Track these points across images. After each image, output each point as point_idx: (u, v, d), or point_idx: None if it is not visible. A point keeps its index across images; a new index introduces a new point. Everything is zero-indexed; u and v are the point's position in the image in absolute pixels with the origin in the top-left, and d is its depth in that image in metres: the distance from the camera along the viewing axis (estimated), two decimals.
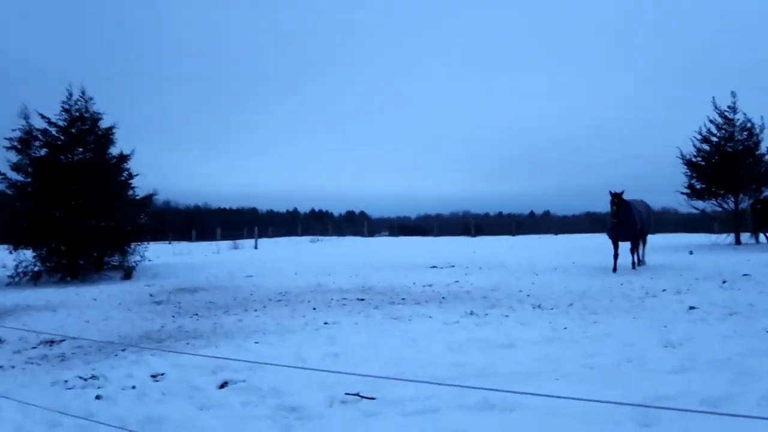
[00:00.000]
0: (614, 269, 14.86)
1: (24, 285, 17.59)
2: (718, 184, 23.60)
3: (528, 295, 11.38)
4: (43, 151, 19.75)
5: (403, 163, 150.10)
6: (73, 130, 19.99)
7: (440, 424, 4.57)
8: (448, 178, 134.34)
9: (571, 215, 62.56)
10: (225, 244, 36.76)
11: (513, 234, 41.42)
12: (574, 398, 3.86)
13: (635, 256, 15.61)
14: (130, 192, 20.98)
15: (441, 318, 9.28)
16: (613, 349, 6.77)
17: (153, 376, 6.38)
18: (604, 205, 16.04)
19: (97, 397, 5.69)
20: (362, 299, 11.81)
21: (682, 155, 24.50)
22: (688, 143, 24.68)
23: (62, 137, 19.90)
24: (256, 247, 35.61)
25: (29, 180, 19.44)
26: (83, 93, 20.37)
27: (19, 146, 19.26)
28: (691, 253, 19.66)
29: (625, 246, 15.67)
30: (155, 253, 23.81)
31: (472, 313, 9.57)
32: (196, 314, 10.72)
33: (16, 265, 18.52)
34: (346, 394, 5.35)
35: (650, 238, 16.76)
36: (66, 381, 6.35)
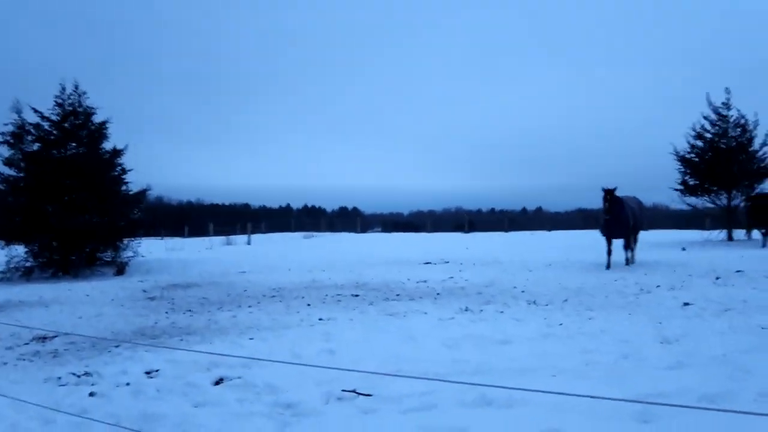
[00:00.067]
0: (608, 266, 14.88)
1: (16, 281, 17.49)
2: (712, 180, 23.66)
3: (522, 292, 11.38)
4: (35, 146, 19.63)
5: (395, 160, 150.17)
6: (66, 125, 19.87)
7: (439, 421, 4.55)
8: (440, 174, 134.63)
9: (563, 212, 62.72)
10: (218, 240, 36.63)
11: (506, 230, 41.47)
12: (575, 395, 3.84)
13: (628, 253, 15.62)
14: (124, 187, 20.88)
15: (436, 314, 9.26)
16: (609, 345, 6.77)
17: (147, 373, 6.33)
18: (596, 202, 16.05)
19: (91, 394, 5.63)
20: (357, 295, 11.79)
21: (675, 152, 24.57)
22: (682, 140, 24.77)
23: (55, 132, 19.77)
24: (249, 243, 35.51)
25: (22, 175, 19.32)
26: (77, 87, 20.25)
27: (11, 141, 19.15)
28: (683, 249, 19.73)
29: (618, 243, 15.68)
30: (148, 249, 23.69)
31: (467, 310, 9.55)
32: (190, 310, 10.66)
33: (8, 261, 18.40)
34: (343, 390, 5.31)
35: (643, 234, 16.79)
36: (59, 378, 6.29)
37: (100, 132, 20.49)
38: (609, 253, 15.21)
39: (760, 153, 23.45)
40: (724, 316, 8.23)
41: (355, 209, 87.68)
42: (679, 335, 7.10)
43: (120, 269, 19.20)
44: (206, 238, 39.87)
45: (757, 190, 22.64)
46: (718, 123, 24.15)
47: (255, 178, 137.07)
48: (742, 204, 22.97)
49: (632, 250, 16.04)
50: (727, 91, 24.03)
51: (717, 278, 11.92)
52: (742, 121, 23.83)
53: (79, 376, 6.28)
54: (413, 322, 8.65)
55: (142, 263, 20.58)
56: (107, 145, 20.59)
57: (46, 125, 19.68)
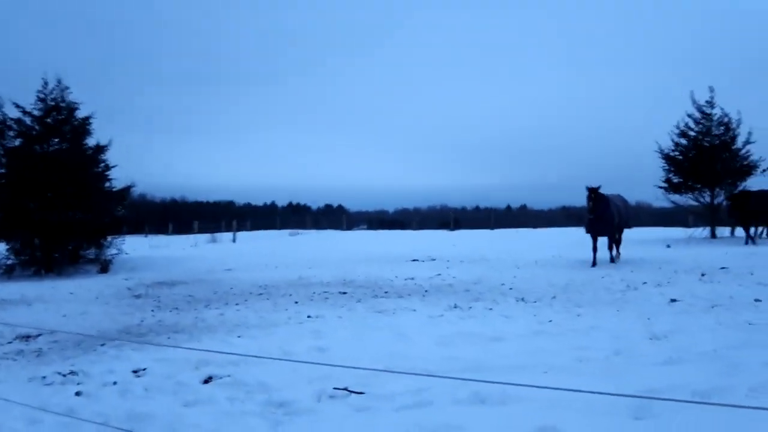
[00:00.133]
0: (593, 263, 14.92)
1: None
2: (695, 178, 23.85)
3: (511, 288, 11.39)
4: (17, 141, 19.31)
5: (380, 158, 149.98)
6: (48, 120, 19.59)
7: (433, 419, 4.50)
8: (425, 172, 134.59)
9: (547, 209, 62.93)
10: (202, 238, 36.37)
11: (491, 227, 41.59)
12: (573, 390, 3.83)
13: (612, 251, 15.66)
14: (107, 184, 20.64)
15: (425, 311, 9.23)
16: (600, 341, 6.77)
17: (135, 372, 6.23)
18: (580, 200, 16.12)
19: (78, 394, 5.53)
20: (344, 292, 11.73)
21: (660, 149, 24.75)
22: (667, 138, 24.96)
23: (37, 127, 19.48)
24: (234, 241, 35.30)
25: (3, 171, 19.03)
26: (59, 82, 19.97)
27: None
28: (668, 246, 19.88)
29: (604, 240, 15.74)
30: (132, 246, 23.43)
31: (456, 307, 9.54)
32: (176, 308, 10.54)
33: None
34: (335, 388, 5.26)
35: (627, 232, 16.85)
36: (44, 377, 6.18)
37: (83, 128, 20.23)
38: (595, 250, 15.24)
39: (743, 151, 23.67)
40: (711, 312, 8.28)
41: (340, 207, 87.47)
42: (668, 331, 7.13)
43: (104, 267, 18.98)
44: (191, 236, 39.58)
45: (740, 188, 22.85)
46: (701, 121, 24.36)
47: (239, 175, 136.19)
48: (725, 202, 23.18)
49: (617, 248, 16.12)
50: (711, 89, 24.25)
51: (702, 275, 12.01)
52: (726, 120, 24.05)
53: (64, 376, 6.17)
54: (403, 320, 8.62)
55: (126, 261, 20.35)
56: (90, 141, 20.37)
57: (27, 120, 19.39)
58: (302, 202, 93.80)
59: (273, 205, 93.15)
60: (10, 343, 8.11)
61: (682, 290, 10.22)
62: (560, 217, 49.03)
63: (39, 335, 8.36)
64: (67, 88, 20.00)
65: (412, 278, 13.63)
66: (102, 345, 7.64)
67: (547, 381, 5.33)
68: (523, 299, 10.07)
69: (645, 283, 11.32)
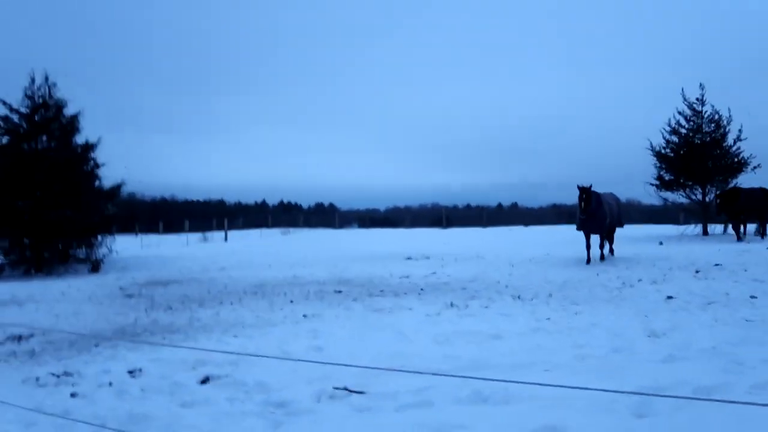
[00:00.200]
0: (588, 261, 14.89)
1: None
2: (687, 175, 23.93)
3: (507, 286, 11.36)
4: (4, 139, 19.10)
5: (370, 156, 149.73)
6: (36, 117, 19.36)
7: (435, 418, 4.46)
8: (416, 170, 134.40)
9: (537, 207, 63.01)
10: (194, 237, 36.18)
11: (484, 225, 41.63)
12: (577, 387, 3.79)
13: (603, 249, 15.57)
14: (97, 182, 20.45)
15: (422, 310, 9.18)
16: (599, 339, 6.75)
17: (130, 372, 6.14)
18: (571, 198, 16.09)
19: (73, 395, 5.44)
20: (340, 291, 11.66)
21: (651, 147, 24.81)
22: (658, 135, 25.03)
23: (25, 125, 19.26)
24: (226, 240, 35.15)
25: None
26: (47, 79, 19.74)
27: None
28: (661, 243, 19.94)
29: (596, 237, 15.66)
30: (123, 246, 23.26)
31: (452, 305, 9.49)
32: (170, 308, 10.43)
33: None
34: (335, 388, 5.20)
35: (619, 229, 16.78)
36: (38, 378, 6.08)
37: (72, 125, 20.03)
38: (588, 247, 15.17)
39: (734, 148, 23.77)
40: (708, 309, 8.28)
41: (331, 205, 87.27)
42: (667, 329, 7.11)
43: (95, 266, 18.81)
44: (182, 235, 39.36)
45: (731, 185, 22.95)
46: (692, 118, 24.44)
47: (229, 174, 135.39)
48: (716, 201, 23.24)
49: (610, 245, 16.11)
50: (702, 86, 24.35)
51: (697, 271, 12.04)
52: (716, 117, 24.15)
53: (58, 377, 6.07)
54: (400, 318, 8.56)
55: (117, 260, 20.19)
56: (79, 139, 20.16)
57: (15, 118, 19.17)
58: (293, 201, 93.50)
59: (264, 203, 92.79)
60: (2, 344, 7.99)
61: (677, 287, 10.22)
62: (551, 215, 49.05)
63: (31, 336, 8.24)
64: (54, 85, 19.80)
65: (408, 276, 13.58)
66: (96, 345, 7.53)
67: (548, 379, 5.30)
68: (519, 297, 10.04)
69: (640, 280, 11.32)
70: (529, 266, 14.65)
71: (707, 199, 23.85)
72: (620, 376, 5.28)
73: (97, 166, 20.33)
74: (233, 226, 45.23)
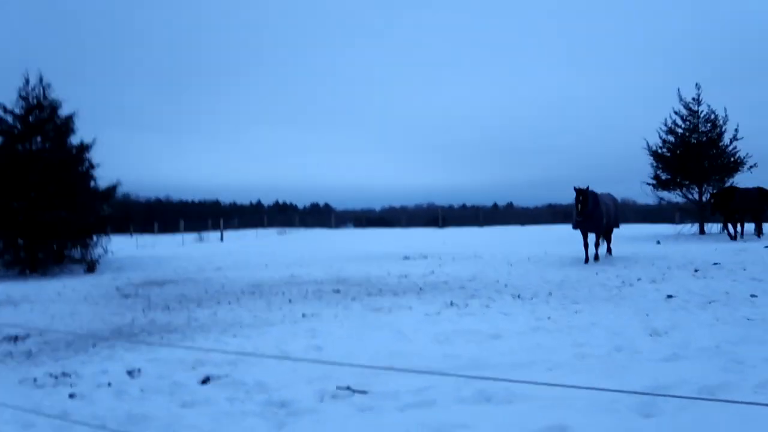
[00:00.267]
0: (586, 260, 14.84)
1: None
2: (683, 174, 23.97)
3: (506, 285, 11.33)
4: None
5: (366, 156, 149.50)
6: (30, 118, 19.26)
7: (438, 418, 4.41)
8: (411, 170, 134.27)
9: (533, 207, 63.07)
10: (189, 237, 36.08)
11: (480, 225, 41.64)
12: (581, 387, 3.75)
13: (599, 249, 15.45)
14: (92, 183, 20.35)
15: (422, 309, 9.14)
16: (600, 338, 6.72)
17: (129, 372, 6.08)
18: (566, 197, 16.02)
19: (71, 396, 5.38)
20: (338, 290, 11.61)
21: (648, 146, 24.84)
22: (655, 135, 25.06)
23: (19, 125, 19.15)
24: (222, 240, 35.04)
25: None
26: (41, 79, 19.63)
27: None
28: (658, 242, 19.96)
29: (593, 236, 15.55)
30: (118, 246, 23.16)
31: (452, 304, 9.45)
32: (168, 308, 10.36)
33: None
34: (337, 388, 5.14)
35: (616, 229, 16.75)
36: (35, 379, 6.01)
37: (66, 126, 19.93)
38: (586, 246, 15.09)
39: (730, 148, 23.82)
40: (708, 308, 8.26)
41: (326, 205, 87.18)
42: (668, 327, 7.09)
43: (90, 267, 18.71)
44: (177, 235, 39.24)
45: (727, 185, 22.98)
46: (688, 118, 24.48)
47: (223, 174, 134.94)
48: (711, 200, 23.24)
49: (608, 245, 16.08)
50: (698, 86, 24.38)
51: (696, 270, 12.03)
52: (712, 117, 24.19)
53: (56, 377, 6.00)
54: (399, 318, 8.52)
55: (112, 260, 20.09)
56: (74, 140, 20.07)
57: (9, 119, 19.07)
58: (288, 201, 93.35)
59: (259, 203, 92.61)
60: None
61: (677, 286, 10.21)
62: (546, 214, 49.15)
63: (28, 336, 8.16)
64: (49, 85, 19.71)
65: (406, 276, 13.53)
66: (93, 346, 7.46)
67: (550, 378, 5.27)
68: (519, 296, 10.01)
69: (639, 279, 11.31)
70: (527, 265, 14.63)
71: (704, 198, 23.87)
72: (622, 375, 5.25)
73: (92, 166, 20.25)
74: (229, 226, 45.13)
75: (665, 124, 24.66)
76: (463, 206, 74.67)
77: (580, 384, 4.96)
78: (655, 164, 24.75)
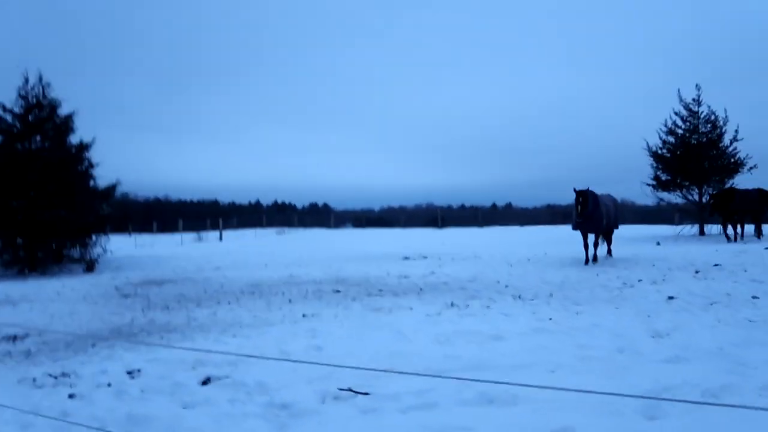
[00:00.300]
0: (586, 261, 14.81)
1: None
2: (683, 175, 23.98)
3: (506, 286, 11.30)
4: None
5: (364, 156, 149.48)
6: (30, 118, 19.22)
7: (440, 420, 4.39)
8: (410, 170, 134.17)
9: (532, 207, 63.07)
10: (188, 236, 36.02)
11: (479, 225, 41.63)
12: (588, 391, 3.72)
13: (598, 250, 15.36)
14: (91, 182, 20.30)
15: (422, 310, 9.11)
16: (602, 339, 6.69)
17: (129, 373, 6.05)
18: (565, 198, 15.97)
19: (71, 396, 5.34)
20: (338, 291, 11.57)
21: (648, 147, 24.84)
22: (655, 135, 25.07)
23: (18, 124, 19.11)
24: (221, 239, 34.99)
25: None
26: (40, 78, 19.59)
27: None
28: (658, 243, 19.95)
29: (592, 236, 15.49)
30: (117, 246, 23.11)
31: (453, 305, 9.42)
32: (167, 307, 10.32)
33: None
34: (339, 389, 5.11)
35: (616, 230, 16.71)
36: (34, 379, 5.98)
37: (66, 125, 19.89)
38: (586, 247, 15.03)
39: (730, 149, 23.83)
40: (710, 309, 8.23)
41: (325, 205, 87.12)
42: (670, 329, 7.06)
43: (89, 266, 18.66)
44: (176, 235, 39.18)
45: (727, 186, 22.97)
46: (688, 119, 24.49)
47: (222, 174, 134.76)
48: (710, 201, 23.21)
49: (608, 246, 16.04)
50: (698, 87, 24.40)
51: (696, 272, 12.01)
52: (712, 117, 24.20)
53: (55, 377, 5.97)
54: (400, 318, 8.48)
55: (111, 260, 20.05)
56: (74, 139, 20.03)
57: (8, 118, 19.03)
58: (287, 201, 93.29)
59: (258, 203, 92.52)
60: None
61: (678, 287, 10.18)
62: (545, 215, 49.18)
63: (27, 335, 8.12)
64: (48, 84, 19.67)
65: (406, 276, 13.50)
66: (93, 345, 7.43)
67: (553, 380, 5.24)
68: (520, 297, 9.98)
69: (640, 280, 11.28)
70: (527, 266, 14.61)
71: (703, 199, 23.87)
72: (626, 377, 5.22)
73: (91, 165, 20.21)
74: (228, 226, 45.08)
75: (665, 125, 24.70)
76: (462, 206, 74.65)
77: (582, 385, 4.94)
78: (655, 165, 24.77)
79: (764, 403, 4.48)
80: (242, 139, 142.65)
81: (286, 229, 43.79)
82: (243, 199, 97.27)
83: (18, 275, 17.70)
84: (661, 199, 25.31)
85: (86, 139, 20.05)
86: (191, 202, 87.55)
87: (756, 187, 20.71)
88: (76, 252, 19.67)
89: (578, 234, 15.46)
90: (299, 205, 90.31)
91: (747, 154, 23.58)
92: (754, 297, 8.93)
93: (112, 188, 20.78)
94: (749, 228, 20.84)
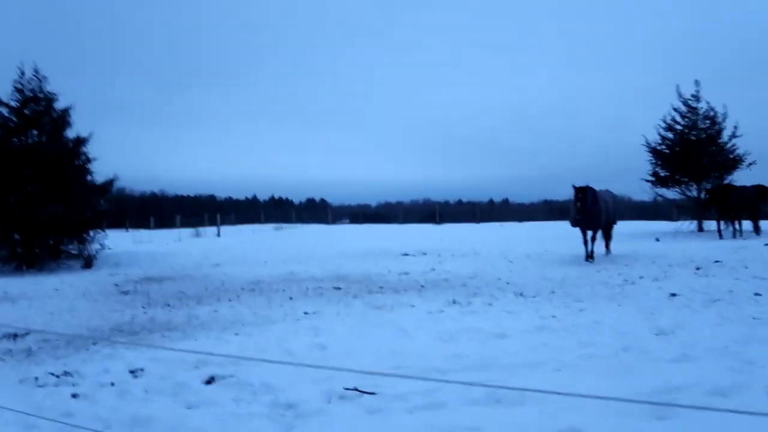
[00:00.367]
0: (586, 258, 14.73)
1: None
2: (682, 171, 23.98)
3: (508, 283, 11.27)
4: None
5: (361, 151, 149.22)
6: (26, 111, 19.04)
7: (448, 420, 4.35)
8: (407, 166, 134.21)
9: (529, 203, 63.10)
10: (186, 232, 35.87)
11: (477, 221, 41.62)
12: (597, 396, 3.69)
13: (595, 245, 15.29)
14: (89, 177, 20.16)
15: (424, 307, 9.08)
16: (606, 337, 6.67)
17: (131, 372, 6.00)
18: (563, 194, 15.93)
19: (74, 396, 5.30)
20: (339, 288, 11.54)
21: (647, 143, 24.82)
22: (654, 131, 25.05)
23: (15, 118, 18.95)
24: (218, 235, 34.88)
25: None
26: (36, 72, 19.39)
27: None
28: (657, 240, 19.94)
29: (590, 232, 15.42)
30: (114, 241, 22.98)
31: (455, 302, 9.39)
32: (168, 305, 10.27)
33: None
34: (345, 389, 5.08)
35: (615, 226, 16.68)
36: (36, 378, 5.92)
37: (63, 119, 19.71)
38: (586, 243, 14.94)
39: (729, 145, 23.83)
40: (713, 306, 8.22)
41: (322, 201, 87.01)
42: (673, 326, 7.05)
43: (88, 262, 18.56)
44: (174, 230, 39.08)
45: (726, 182, 22.97)
46: (687, 115, 24.48)
47: (219, 169, 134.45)
48: (706, 195, 23.18)
49: (607, 243, 16.01)
50: (697, 83, 24.38)
51: (697, 268, 12.00)
52: (711, 114, 24.19)
53: (58, 376, 5.92)
54: (402, 316, 8.45)
55: (110, 256, 19.95)
56: (71, 133, 19.86)
57: (4, 111, 18.87)
58: (284, 196, 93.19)
59: (255, 198, 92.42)
60: None
61: (679, 284, 10.17)
62: (543, 210, 49.15)
63: (27, 333, 8.06)
64: (44, 77, 19.48)
65: (407, 273, 13.47)
66: (94, 344, 7.37)
67: (559, 379, 5.22)
68: (522, 294, 9.95)
69: (642, 277, 11.27)
70: (527, 263, 14.59)
71: (702, 195, 23.88)
72: (632, 376, 5.19)
73: (88, 160, 20.04)
74: (225, 221, 44.96)
75: (664, 121, 24.69)
76: (459, 202, 74.72)
77: (589, 385, 4.92)
78: (653, 161, 24.75)
79: None
80: (241, 137, 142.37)
81: (284, 225, 43.69)
82: (240, 194, 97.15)
83: (15, 271, 17.60)
84: (660, 195, 25.32)
85: (83, 134, 19.91)
86: (188, 197, 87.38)
87: (756, 183, 20.68)
88: (74, 248, 19.53)
89: (577, 230, 15.41)
90: (296, 201, 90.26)
91: (746, 151, 23.63)
92: (756, 294, 8.92)
93: (109, 183, 20.63)
94: (747, 224, 20.82)
